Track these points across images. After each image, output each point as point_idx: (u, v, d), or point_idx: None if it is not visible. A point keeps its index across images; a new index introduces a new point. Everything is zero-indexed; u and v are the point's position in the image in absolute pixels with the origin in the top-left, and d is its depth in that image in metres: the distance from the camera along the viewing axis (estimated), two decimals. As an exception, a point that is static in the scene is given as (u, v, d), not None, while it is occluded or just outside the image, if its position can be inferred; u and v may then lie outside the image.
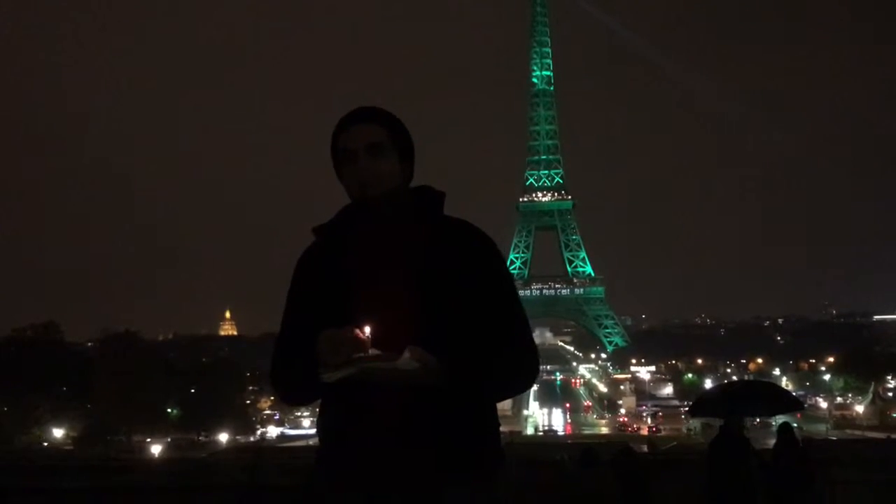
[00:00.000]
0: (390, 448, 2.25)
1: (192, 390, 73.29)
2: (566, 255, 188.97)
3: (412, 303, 2.27)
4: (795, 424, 16.98)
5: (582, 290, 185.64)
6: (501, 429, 2.47)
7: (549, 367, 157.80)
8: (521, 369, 2.35)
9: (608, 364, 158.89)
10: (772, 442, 10.58)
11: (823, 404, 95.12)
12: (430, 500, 2.25)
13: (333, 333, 2.15)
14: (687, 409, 62.68)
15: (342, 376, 2.12)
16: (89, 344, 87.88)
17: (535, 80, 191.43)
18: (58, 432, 63.86)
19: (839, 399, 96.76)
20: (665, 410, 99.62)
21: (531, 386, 2.43)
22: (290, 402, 2.51)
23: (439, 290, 2.29)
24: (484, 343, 2.28)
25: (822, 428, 74.38)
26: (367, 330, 2.15)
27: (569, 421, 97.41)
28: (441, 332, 2.24)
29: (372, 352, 2.13)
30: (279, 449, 49.89)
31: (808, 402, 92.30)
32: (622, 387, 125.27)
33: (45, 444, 60.33)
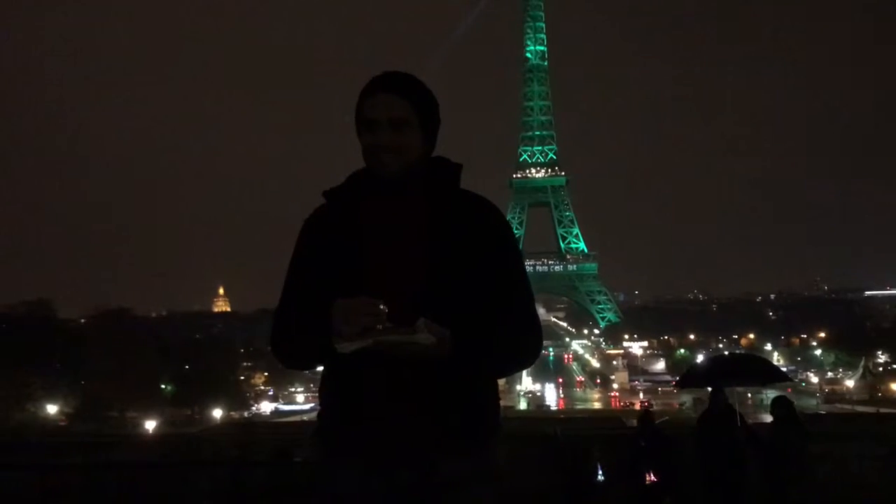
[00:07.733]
0: (392, 418, 2.23)
1: (186, 366, 73.44)
2: (559, 231, 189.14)
3: (421, 275, 2.25)
4: (787, 399, 16.96)
5: (575, 266, 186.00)
6: None
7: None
8: (524, 348, 2.34)
9: (601, 340, 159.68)
10: (764, 416, 10.41)
11: (814, 379, 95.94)
12: (428, 470, 2.23)
13: (350, 303, 2.12)
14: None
15: (357, 347, 2.08)
16: (82, 321, 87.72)
17: (528, 55, 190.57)
18: (51, 409, 63.93)
19: (830, 374, 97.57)
20: (657, 385, 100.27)
21: (532, 364, 2.42)
22: (290, 366, 2.44)
23: (448, 263, 2.26)
24: (490, 320, 2.25)
25: (812, 402, 75.17)
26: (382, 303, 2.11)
27: (562, 396, 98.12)
28: (449, 306, 2.21)
29: (387, 324, 2.09)
30: (272, 424, 50.16)
31: (799, 376, 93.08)
32: (615, 362, 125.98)
33: (36, 420, 60.34)
